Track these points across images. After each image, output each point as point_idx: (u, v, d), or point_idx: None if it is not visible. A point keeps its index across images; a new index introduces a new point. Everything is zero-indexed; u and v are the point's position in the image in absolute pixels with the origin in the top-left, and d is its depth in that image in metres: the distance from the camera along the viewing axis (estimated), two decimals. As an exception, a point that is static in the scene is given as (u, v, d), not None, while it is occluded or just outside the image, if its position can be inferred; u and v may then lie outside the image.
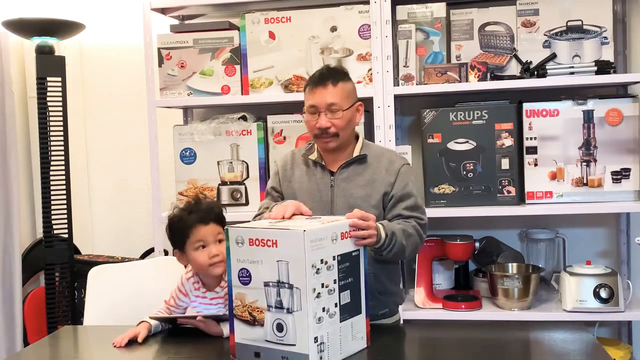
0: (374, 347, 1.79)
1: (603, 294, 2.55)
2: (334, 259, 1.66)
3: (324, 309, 1.63)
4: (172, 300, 2.07)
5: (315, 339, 1.62)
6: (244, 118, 2.85)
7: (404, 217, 2.09)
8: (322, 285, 1.63)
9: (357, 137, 2.19)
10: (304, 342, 1.61)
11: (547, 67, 2.67)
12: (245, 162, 2.85)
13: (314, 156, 2.17)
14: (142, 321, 2.00)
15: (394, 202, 2.11)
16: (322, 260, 1.62)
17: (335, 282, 1.66)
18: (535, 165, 2.68)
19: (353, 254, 1.72)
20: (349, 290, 1.70)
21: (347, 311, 1.70)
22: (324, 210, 2.11)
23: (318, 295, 1.61)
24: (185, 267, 2.09)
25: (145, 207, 3.16)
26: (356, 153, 2.15)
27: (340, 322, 1.68)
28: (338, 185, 2.12)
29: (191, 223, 1.99)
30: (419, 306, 2.73)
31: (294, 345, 1.62)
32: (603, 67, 2.62)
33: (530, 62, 2.70)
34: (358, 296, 1.74)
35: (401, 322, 2.33)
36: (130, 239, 3.35)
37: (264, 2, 2.89)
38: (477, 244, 2.77)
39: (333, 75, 2.08)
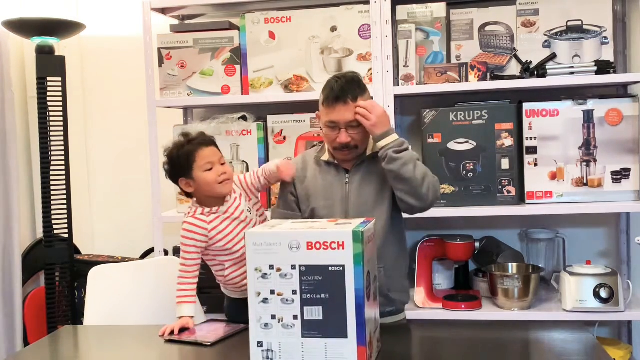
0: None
1: (603, 294, 2.55)
2: (293, 268, 1.61)
3: (274, 317, 1.62)
4: (189, 256, 2.15)
5: (260, 343, 1.62)
6: (244, 118, 2.85)
7: None
8: (272, 292, 1.61)
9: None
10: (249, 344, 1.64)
11: (547, 67, 2.66)
12: (245, 162, 2.85)
13: (325, 157, 2.20)
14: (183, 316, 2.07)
15: None
16: (271, 266, 1.61)
17: (294, 293, 1.61)
18: (535, 165, 2.68)
19: (330, 268, 1.60)
20: (320, 307, 1.61)
21: (317, 329, 1.62)
22: (339, 208, 2.13)
23: (264, 301, 1.61)
24: (190, 195, 2.20)
25: (145, 207, 3.16)
26: (369, 151, 2.16)
27: (303, 337, 1.62)
28: (353, 183, 2.14)
29: (195, 147, 2.13)
30: (419, 306, 2.73)
31: None
32: (603, 67, 2.62)
33: (530, 62, 2.70)
34: (340, 318, 1.61)
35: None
36: (130, 239, 3.35)
37: (264, 2, 2.88)
38: (477, 244, 2.77)
39: (352, 90, 2.06)
